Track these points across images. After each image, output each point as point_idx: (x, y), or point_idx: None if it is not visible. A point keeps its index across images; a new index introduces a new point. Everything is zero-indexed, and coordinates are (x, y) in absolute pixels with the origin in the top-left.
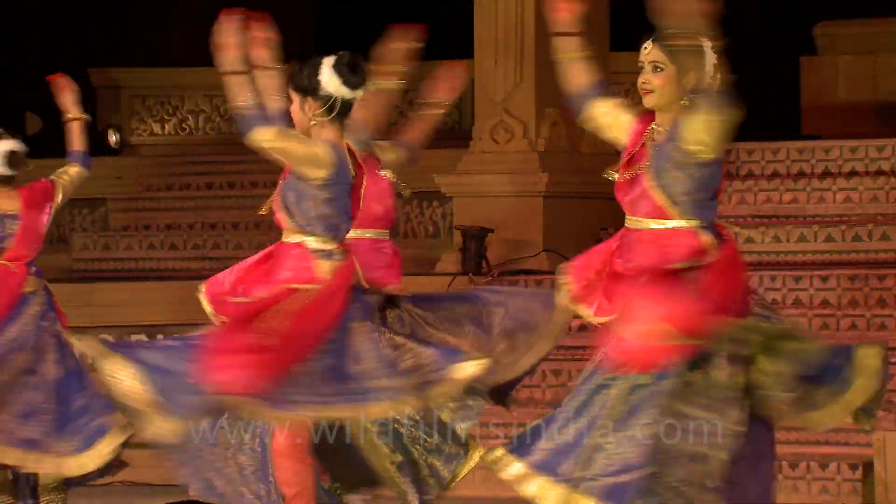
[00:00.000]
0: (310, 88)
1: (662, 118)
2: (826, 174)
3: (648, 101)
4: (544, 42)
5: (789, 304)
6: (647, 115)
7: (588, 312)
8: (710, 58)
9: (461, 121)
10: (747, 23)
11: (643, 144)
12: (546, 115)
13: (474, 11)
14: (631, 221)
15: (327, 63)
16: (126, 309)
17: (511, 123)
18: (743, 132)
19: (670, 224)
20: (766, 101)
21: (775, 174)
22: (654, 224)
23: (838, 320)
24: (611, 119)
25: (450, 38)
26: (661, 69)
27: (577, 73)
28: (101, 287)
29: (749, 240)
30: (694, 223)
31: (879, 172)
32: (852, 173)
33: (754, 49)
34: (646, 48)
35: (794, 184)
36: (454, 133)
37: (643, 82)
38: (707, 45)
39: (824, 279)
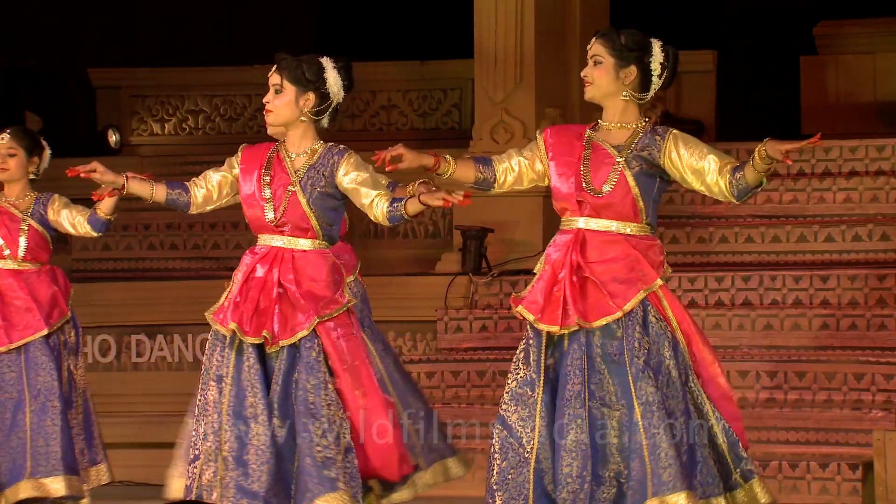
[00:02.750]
0: (314, 84)
1: (607, 115)
2: (826, 174)
3: (587, 93)
4: (544, 42)
5: (789, 303)
6: (564, 127)
7: (555, 328)
8: (658, 57)
9: (461, 121)
10: (747, 23)
11: (589, 146)
12: (546, 115)
13: (474, 12)
14: (592, 223)
15: (328, 64)
16: (126, 309)
17: (511, 123)
18: (743, 132)
19: (635, 227)
20: (766, 101)
21: (775, 174)
22: (627, 227)
23: (838, 320)
24: (517, 164)
25: (450, 38)
26: (600, 62)
27: (461, 171)
28: (101, 287)
29: (749, 240)
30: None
31: (879, 172)
32: (852, 173)
33: (754, 49)
34: (591, 43)
35: (794, 184)
36: (454, 133)
37: (584, 75)
38: (657, 45)
39: (824, 279)
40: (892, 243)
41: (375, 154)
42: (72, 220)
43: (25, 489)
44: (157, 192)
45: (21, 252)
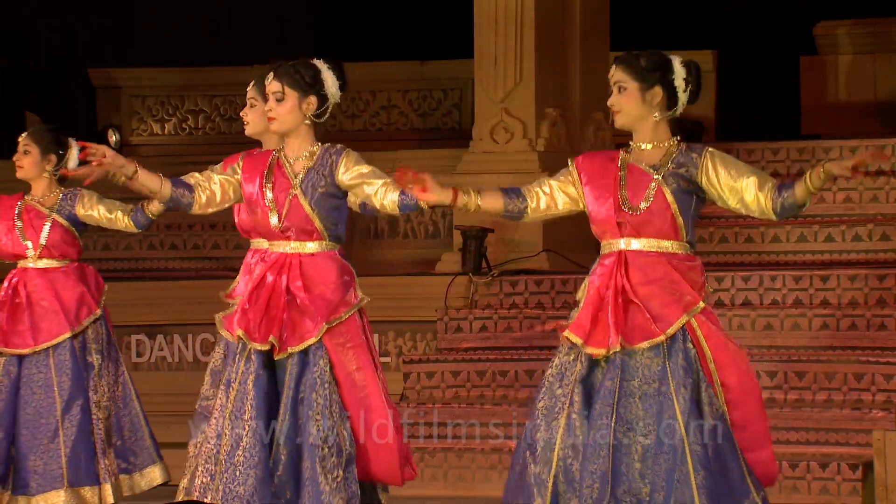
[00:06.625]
0: (314, 87)
1: (638, 136)
2: None
3: (617, 121)
4: (544, 42)
5: (789, 304)
6: (594, 153)
7: (602, 351)
8: (680, 73)
9: (461, 121)
10: (747, 23)
11: (624, 168)
12: (546, 115)
13: (474, 12)
14: (633, 243)
15: (323, 65)
16: (126, 309)
17: (511, 123)
18: (743, 132)
19: (676, 245)
20: (766, 101)
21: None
22: (668, 245)
23: (838, 320)
24: (549, 188)
25: (450, 38)
26: (624, 88)
27: (488, 202)
28: None
29: (749, 240)
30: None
31: (879, 172)
32: None
33: (754, 49)
34: (611, 71)
35: None
36: (454, 133)
37: (611, 104)
38: (677, 62)
39: (824, 279)
40: (892, 243)
41: (399, 169)
42: (109, 216)
43: (62, 499)
44: (164, 187)
45: (40, 249)
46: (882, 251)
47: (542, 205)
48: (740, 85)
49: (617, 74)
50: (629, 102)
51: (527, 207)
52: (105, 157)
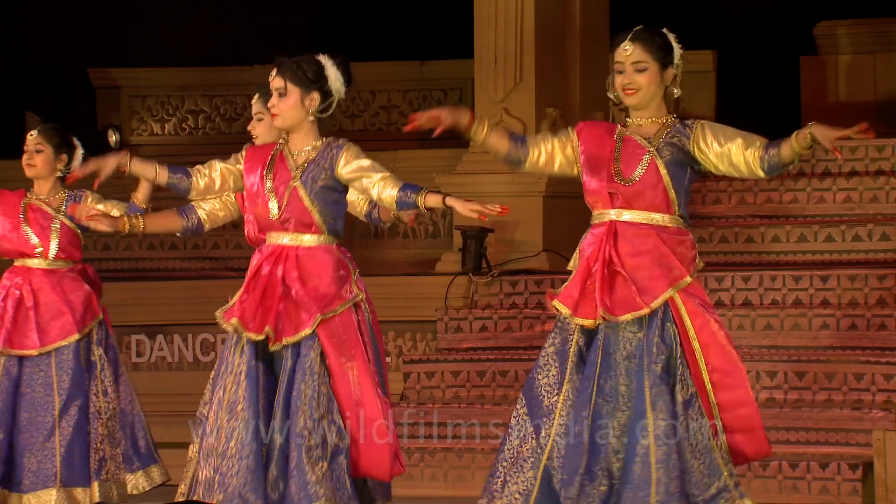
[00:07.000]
0: (317, 83)
1: (642, 113)
2: (826, 174)
3: (632, 101)
4: (544, 42)
5: (789, 304)
6: (594, 123)
7: (590, 322)
8: (678, 51)
9: None
10: (747, 23)
11: (620, 140)
12: (546, 115)
13: (474, 12)
14: (624, 214)
15: (327, 61)
16: (126, 309)
17: (511, 123)
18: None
19: (667, 218)
20: (766, 101)
21: None
22: (660, 218)
23: (838, 320)
24: (550, 146)
25: (450, 38)
26: (645, 69)
27: (495, 140)
28: None
29: (749, 240)
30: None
31: (879, 172)
32: (852, 173)
33: (754, 49)
34: (626, 49)
35: (794, 184)
36: (454, 133)
37: (628, 83)
38: (672, 38)
39: (824, 279)
40: (892, 243)
41: (410, 119)
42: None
43: (53, 498)
44: (160, 174)
45: (52, 253)
46: (882, 251)
47: (542, 161)
48: (740, 85)
49: (637, 53)
50: (651, 82)
51: (527, 159)
52: (96, 167)
